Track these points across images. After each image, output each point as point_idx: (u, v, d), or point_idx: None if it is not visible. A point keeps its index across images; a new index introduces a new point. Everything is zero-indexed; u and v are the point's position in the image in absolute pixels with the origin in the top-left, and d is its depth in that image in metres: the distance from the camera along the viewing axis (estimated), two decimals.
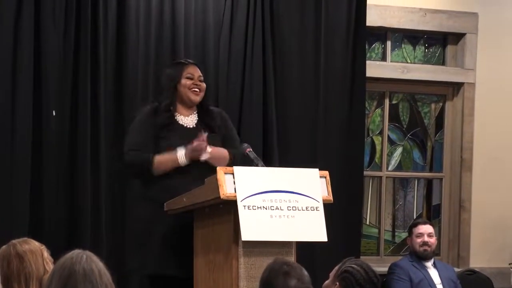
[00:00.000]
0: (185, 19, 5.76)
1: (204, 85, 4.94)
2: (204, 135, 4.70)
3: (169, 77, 4.97)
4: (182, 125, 4.87)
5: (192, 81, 4.90)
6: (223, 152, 4.85)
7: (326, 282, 3.80)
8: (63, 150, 5.47)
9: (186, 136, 4.79)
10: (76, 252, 2.70)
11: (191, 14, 5.79)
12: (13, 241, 3.37)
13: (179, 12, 5.74)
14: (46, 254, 3.34)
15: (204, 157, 4.72)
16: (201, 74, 4.95)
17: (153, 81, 5.68)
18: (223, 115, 5.06)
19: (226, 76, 5.87)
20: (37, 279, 3.26)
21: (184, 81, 4.89)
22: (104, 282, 2.65)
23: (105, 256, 5.27)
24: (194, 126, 4.90)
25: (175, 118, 4.87)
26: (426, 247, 6.01)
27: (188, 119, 4.90)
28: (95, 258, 2.69)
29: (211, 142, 4.78)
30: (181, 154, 4.72)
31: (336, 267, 3.79)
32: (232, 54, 5.89)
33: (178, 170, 4.73)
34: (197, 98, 4.90)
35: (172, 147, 4.74)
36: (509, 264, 3.90)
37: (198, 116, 4.93)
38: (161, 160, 4.75)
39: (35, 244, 3.36)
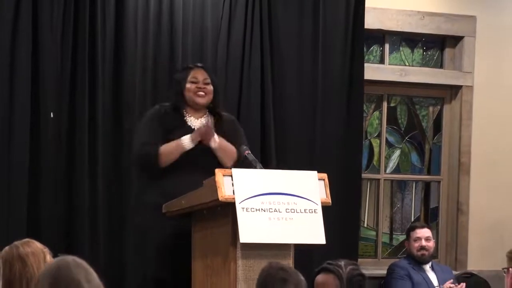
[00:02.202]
0: (183, 24, 5.76)
1: (210, 87, 4.93)
2: (210, 121, 4.73)
3: (175, 82, 5.01)
4: (190, 127, 4.86)
5: (196, 84, 4.90)
6: (231, 146, 4.85)
7: None
8: (60, 150, 5.47)
9: None
10: (62, 258, 2.65)
11: (189, 19, 5.78)
12: (16, 242, 3.30)
13: (177, 18, 5.74)
14: (48, 257, 3.27)
15: (212, 144, 4.74)
16: (207, 77, 4.94)
17: (151, 85, 5.68)
18: (234, 122, 5.08)
19: (224, 80, 5.86)
20: None
21: (188, 86, 4.90)
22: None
23: (103, 260, 5.31)
24: None
25: (185, 119, 4.88)
26: (424, 251, 6.02)
27: (198, 122, 4.90)
28: (84, 264, 2.64)
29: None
30: (186, 138, 4.74)
31: (333, 279, 3.45)
32: (230, 58, 5.89)
33: (177, 174, 4.71)
34: (202, 101, 4.90)
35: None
36: (502, 268, 3.90)
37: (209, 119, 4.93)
38: (165, 150, 4.75)
39: (37, 247, 3.29)
